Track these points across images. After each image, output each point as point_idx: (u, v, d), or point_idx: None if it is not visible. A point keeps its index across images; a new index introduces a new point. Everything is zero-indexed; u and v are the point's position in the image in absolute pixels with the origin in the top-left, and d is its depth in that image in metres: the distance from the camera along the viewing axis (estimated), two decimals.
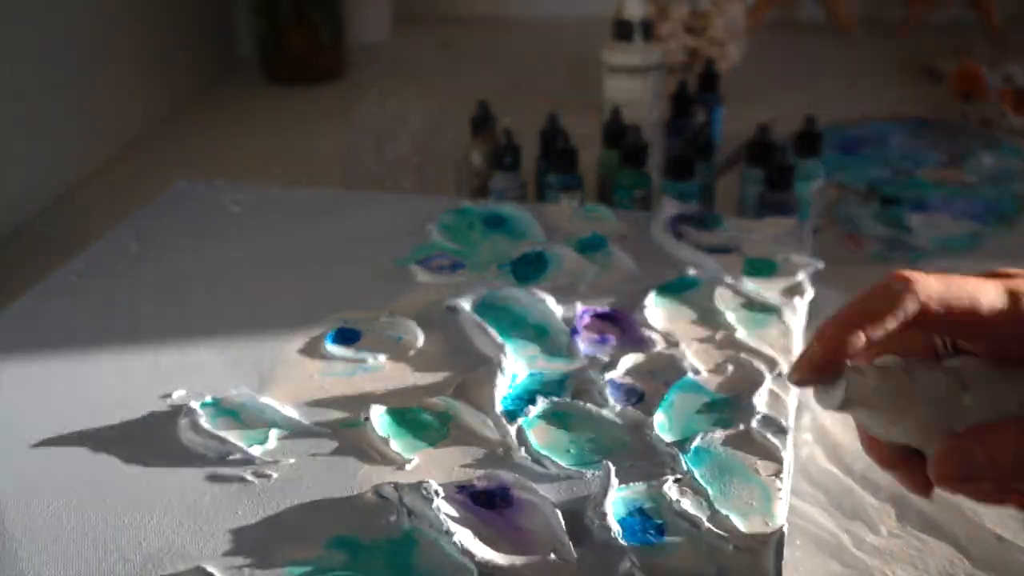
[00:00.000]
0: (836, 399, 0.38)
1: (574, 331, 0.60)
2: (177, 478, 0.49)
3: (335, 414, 0.53)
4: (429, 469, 0.49)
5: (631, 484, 0.47)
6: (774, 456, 0.50)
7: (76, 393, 0.56)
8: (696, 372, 0.56)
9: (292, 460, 0.50)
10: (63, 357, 0.59)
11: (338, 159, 1.00)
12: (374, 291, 0.65)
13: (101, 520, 0.46)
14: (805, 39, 1.53)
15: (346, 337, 0.60)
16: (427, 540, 0.45)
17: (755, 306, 0.63)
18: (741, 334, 0.59)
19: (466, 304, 0.62)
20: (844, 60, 1.41)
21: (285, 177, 1.01)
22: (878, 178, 0.97)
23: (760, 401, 0.54)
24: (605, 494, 0.46)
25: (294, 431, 0.52)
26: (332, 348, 0.59)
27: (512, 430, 0.51)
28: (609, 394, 0.54)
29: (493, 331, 0.59)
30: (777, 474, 0.49)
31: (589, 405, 0.53)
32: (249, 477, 0.49)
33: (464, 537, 0.44)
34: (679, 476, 0.48)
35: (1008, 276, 0.38)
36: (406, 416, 0.53)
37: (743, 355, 0.57)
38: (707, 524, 0.45)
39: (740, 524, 0.45)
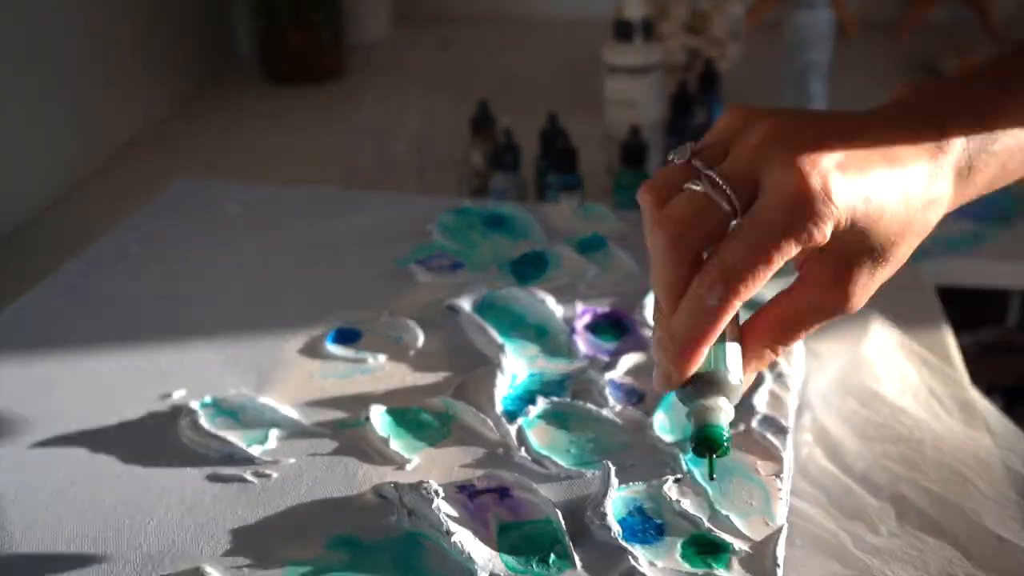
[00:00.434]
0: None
1: (574, 331, 0.60)
2: (177, 478, 0.49)
3: (335, 414, 0.53)
4: (429, 469, 0.49)
5: (631, 484, 0.47)
6: (774, 456, 0.50)
7: (76, 393, 0.56)
8: None
9: (292, 460, 0.50)
10: (63, 357, 0.59)
11: (338, 159, 1.00)
12: (374, 291, 0.65)
13: (101, 520, 0.46)
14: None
15: (346, 337, 0.60)
16: (427, 540, 0.45)
17: (755, 305, 0.63)
18: None
19: (466, 304, 0.62)
20: (844, 60, 1.41)
21: (285, 177, 1.01)
22: None
23: (760, 401, 0.54)
24: (605, 494, 0.46)
25: (294, 431, 0.52)
26: (332, 348, 0.59)
27: (512, 430, 0.51)
28: (609, 394, 0.54)
29: (493, 331, 0.59)
30: (777, 474, 0.49)
31: (589, 405, 0.53)
32: (249, 477, 0.49)
33: (464, 537, 0.44)
34: (679, 476, 0.48)
35: None
36: (406, 416, 0.53)
37: None
38: (707, 524, 0.45)
39: (740, 524, 0.45)
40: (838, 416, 0.60)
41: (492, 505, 0.47)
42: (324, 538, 0.45)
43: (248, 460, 0.50)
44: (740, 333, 0.42)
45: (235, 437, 0.51)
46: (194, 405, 0.53)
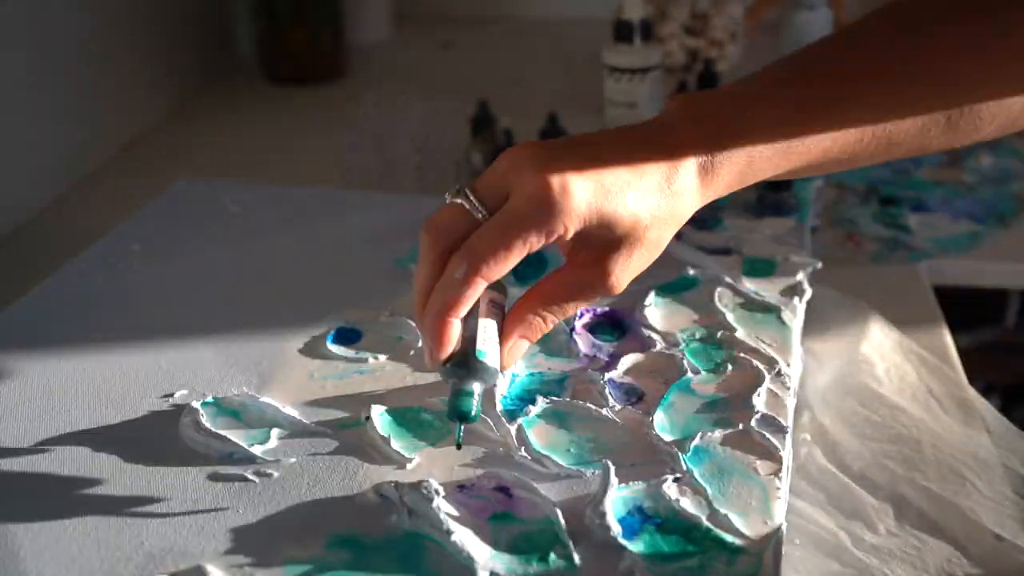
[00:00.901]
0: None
1: (573, 330, 0.60)
2: (178, 477, 0.49)
3: (335, 414, 0.54)
4: (429, 469, 0.49)
5: (631, 483, 0.48)
6: (773, 455, 0.50)
7: (77, 393, 0.56)
8: (696, 372, 0.56)
9: (293, 459, 0.50)
10: (64, 357, 0.59)
11: (338, 159, 1.00)
12: (374, 291, 0.65)
13: (103, 519, 0.46)
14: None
15: (346, 337, 0.60)
16: (427, 540, 0.45)
17: (754, 306, 0.63)
18: (741, 334, 0.60)
19: None
20: None
21: (285, 177, 1.01)
22: (878, 178, 0.97)
23: (759, 401, 0.54)
24: (605, 493, 0.46)
25: (295, 431, 0.52)
26: (332, 348, 0.59)
27: (512, 430, 0.51)
28: (609, 394, 0.54)
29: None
30: (776, 473, 0.49)
31: (589, 405, 0.53)
32: (250, 476, 0.49)
33: (464, 536, 0.44)
34: (679, 475, 0.48)
35: None
36: (406, 416, 0.53)
37: (742, 355, 0.58)
38: (706, 523, 0.45)
39: (739, 523, 0.46)
40: (837, 416, 0.60)
41: (492, 505, 0.47)
42: (324, 537, 0.45)
43: (249, 459, 0.50)
44: (502, 319, 0.48)
45: (236, 436, 0.51)
46: (195, 404, 0.53)
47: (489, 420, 0.52)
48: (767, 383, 0.55)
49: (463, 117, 0.94)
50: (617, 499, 0.47)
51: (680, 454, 0.49)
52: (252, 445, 0.51)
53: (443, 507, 0.45)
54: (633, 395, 0.55)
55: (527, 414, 0.53)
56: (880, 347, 0.66)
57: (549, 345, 0.59)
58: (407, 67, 1.41)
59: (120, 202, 0.89)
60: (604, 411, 0.53)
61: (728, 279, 0.65)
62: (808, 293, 0.64)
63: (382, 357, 0.58)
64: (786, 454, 0.50)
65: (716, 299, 0.63)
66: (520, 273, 0.67)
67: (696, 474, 0.48)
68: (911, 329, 0.69)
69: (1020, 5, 0.45)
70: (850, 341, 0.67)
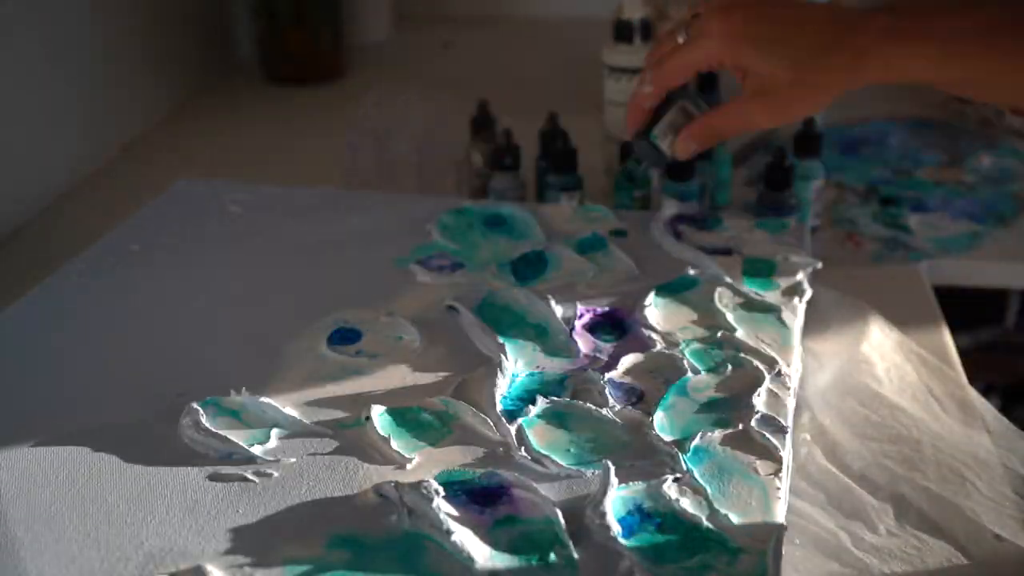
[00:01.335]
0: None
1: (573, 330, 0.60)
2: (178, 477, 0.49)
3: (335, 414, 0.54)
4: (429, 469, 0.49)
5: (631, 483, 0.48)
6: (773, 455, 0.50)
7: (77, 393, 0.56)
8: (696, 372, 0.56)
9: (293, 459, 0.50)
10: (64, 357, 0.59)
11: (338, 159, 1.00)
12: (374, 291, 0.65)
13: (103, 519, 0.46)
14: None
15: (346, 337, 0.60)
16: (427, 539, 0.45)
17: (754, 306, 0.63)
18: (740, 334, 0.60)
19: (466, 304, 0.62)
20: None
21: (285, 177, 1.01)
22: (878, 178, 0.97)
23: (759, 401, 0.54)
24: (605, 493, 0.46)
25: (295, 431, 0.52)
26: (332, 348, 0.59)
27: (512, 430, 0.51)
28: (609, 394, 0.54)
29: (493, 331, 0.60)
30: (776, 473, 0.49)
31: (589, 405, 0.53)
32: (250, 476, 0.49)
33: (464, 536, 0.44)
34: (679, 475, 0.48)
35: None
36: (406, 416, 0.53)
37: (742, 355, 0.58)
38: (706, 523, 0.45)
39: (739, 523, 0.46)
40: (837, 415, 0.60)
41: (492, 504, 0.47)
42: (324, 537, 0.45)
43: (249, 459, 0.50)
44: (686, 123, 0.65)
45: (236, 436, 0.51)
46: (195, 404, 0.53)
47: (489, 420, 0.52)
48: (767, 383, 0.55)
49: (463, 117, 0.93)
50: (617, 499, 0.47)
51: (680, 454, 0.49)
52: (252, 445, 0.51)
53: (443, 507, 0.45)
54: (633, 395, 0.55)
55: (527, 414, 0.53)
56: (880, 347, 0.66)
57: (549, 345, 0.59)
58: (407, 67, 1.41)
59: (120, 202, 0.89)
60: (604, 411, 0.53)
61: (728, 279, 0.65)
62: (808, 293, 0.65)
63: (382, 357, 0.58)
64: (786, 454, 0.50)
65: (716, 299, 0.63)
66: (520, 273, 0.67)
67: (696, 474, 0.48)
68: (911, 329, 0.69)
69: None
70: (850, 341, 0.67)
